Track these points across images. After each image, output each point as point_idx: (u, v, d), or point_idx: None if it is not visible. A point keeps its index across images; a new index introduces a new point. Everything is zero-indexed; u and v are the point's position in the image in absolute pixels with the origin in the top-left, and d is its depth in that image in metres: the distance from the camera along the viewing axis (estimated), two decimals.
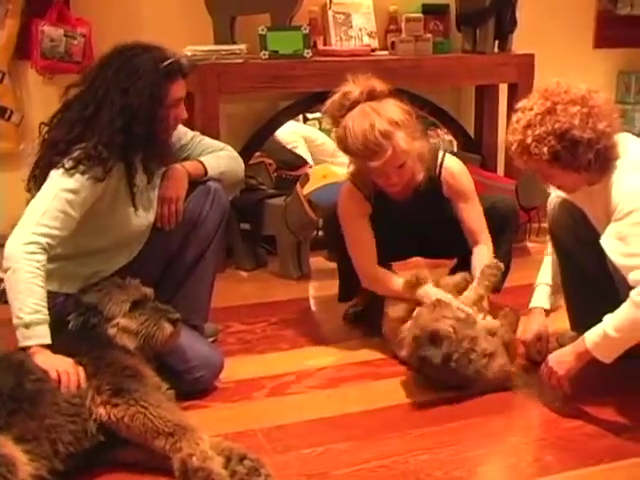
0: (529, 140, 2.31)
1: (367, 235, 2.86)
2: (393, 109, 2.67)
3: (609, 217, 2.33)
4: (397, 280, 2.81)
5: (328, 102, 2.74)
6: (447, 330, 2.50)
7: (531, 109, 2.33)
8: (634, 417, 2.41)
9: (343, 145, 2.71)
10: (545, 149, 2.29)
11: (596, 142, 2.28)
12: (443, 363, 2.49)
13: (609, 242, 2.30)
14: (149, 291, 2.43)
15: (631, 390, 2.54)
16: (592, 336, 2.31)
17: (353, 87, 2.69)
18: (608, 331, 2.25)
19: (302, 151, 4.75)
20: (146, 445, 2.08)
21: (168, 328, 2.36)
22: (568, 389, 2.42)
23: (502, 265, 2.73)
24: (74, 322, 2.33)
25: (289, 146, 4.70)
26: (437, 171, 2.87)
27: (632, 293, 2.22)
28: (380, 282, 2.85)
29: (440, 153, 2.91)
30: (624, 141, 2.39)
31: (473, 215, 2.88)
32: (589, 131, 2.27)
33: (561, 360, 2.41)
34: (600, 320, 2.35)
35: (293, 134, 4.76)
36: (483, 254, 2.83)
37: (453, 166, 2.90)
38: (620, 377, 2.60)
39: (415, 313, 2.64)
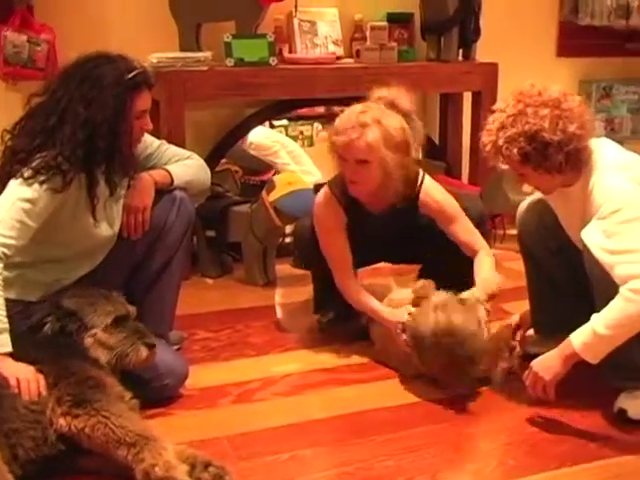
0: (501, 142, 2.34)
1: (344, 249, 2.86)
2: (396, 124, 2.72)
3: (586, 218, 2.35)
4: (374, 301, 2.83)
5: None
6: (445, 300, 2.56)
7: (504, 111, 2.37)
8: (594, 421, 2.44)
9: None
10: (515, 150, 2.32)
11: (566, 144, 2.30)
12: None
13: (593, 238, 2.29)
14: (132, 309, 2.42)
15: (591, 395, 2.57)
16: (580, 337, 2.27)
17: (384, 92, 2.79)
18: (598, 329, 2.22)
19: (283, 156, 4.76)
20: (108, 455, 2.06)
21: (144, 352, 2.34)
22: (553, 396, 2.38)
23: (499, 277, 2.74)
24: (51, 326, 2.30)
25: (269, 151, 4.71)
26: (416, 191, 2.87)
27: (622, 288, 2.20)
28: (358, 300, 2.86)
29: (420, 174, 2.90)
30: (600, 145, 2.42)
31: (465, 232, 2.86)
32: (559, 133, 2.30)
33: (547, 365, 2.36)
34: (566, 324, 2.37)
35: (273, 140, 4.77)
36: (484, 261, 2.80)
37: (432, 188, 2.90)
38: (580, 382, 2.64)
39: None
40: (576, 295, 2.62)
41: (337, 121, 2.76)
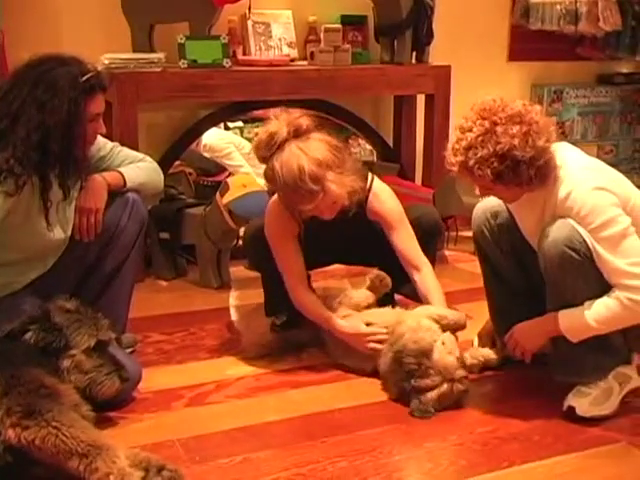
0: (471, 162, 2.32)
1: (296, 257, 2.85)
2: (321, 148, 2.62)
3: (545, 220, 2.40)
4: (327, 311, 2.82)
5: (255, 142, 2.71)
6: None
7: (470, 130, 2.33)
8: (544, 419, 2.47)
9: (273, 186, 2.68)
10: (488, 171, 2.30)
11: (537, 159, 2.31)
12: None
13: (585, 233, 2.32)
14: (113, 337, 2.39)
15: (541, 393, 2.62)
16: (568, 319, 2.37)
17: (279, 125, 2.63)
18: (588, 320, 2.33)
19: (236, 158, 4.76)
20: (60, 467, 2.00)
21: (116, 384, 2.33)
22: (529, 359, 2.59)
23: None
24: (33, 336, 2.23)
25: (222, 153, 4.70)
26: (366, 195, 2.85)
27: (622, 295, 2.29)
28: (310, 309, 2.85)
29: (369, 177, 2.89)
30: (561, 150, 2.43)
31: (406, 240, 2.85)
32: (529, 149, 2.29)
33: (528, 335, 2.53)
34: None
35: (226, 142, 4.76)
36: (432, 284, 2.81)
37: (380, 192, 2.89)
38: (530, 381, 2.70)
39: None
40: (527, 296, 2.66)
41: (281, 188, 2.63)
